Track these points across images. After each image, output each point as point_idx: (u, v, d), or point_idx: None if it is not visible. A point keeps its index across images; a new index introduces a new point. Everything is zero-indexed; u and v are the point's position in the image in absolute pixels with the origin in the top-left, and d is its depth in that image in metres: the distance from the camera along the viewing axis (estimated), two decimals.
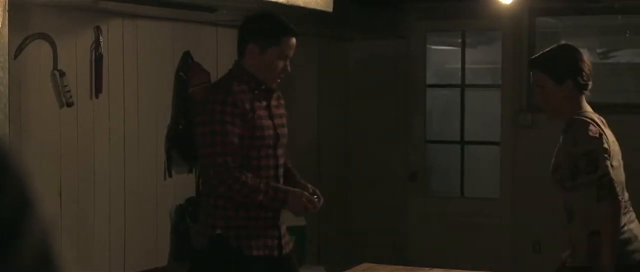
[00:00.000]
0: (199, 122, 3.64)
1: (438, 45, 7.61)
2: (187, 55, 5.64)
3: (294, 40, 3.67)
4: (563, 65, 3.60)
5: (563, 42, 3.86)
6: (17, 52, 4.41)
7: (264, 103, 3.68)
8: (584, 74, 3.61)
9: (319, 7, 4.87)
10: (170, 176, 5.54)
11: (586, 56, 3.69)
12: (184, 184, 5.63)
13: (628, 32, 6.95)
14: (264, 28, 3.66)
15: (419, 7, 6.98)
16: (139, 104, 5.30)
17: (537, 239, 6.49)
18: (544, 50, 3.73)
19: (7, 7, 3.32)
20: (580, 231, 3.51)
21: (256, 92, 3.66)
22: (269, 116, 3.69)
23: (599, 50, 7.17)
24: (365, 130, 7.23)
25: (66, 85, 4.71)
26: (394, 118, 7.15)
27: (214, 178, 3.57)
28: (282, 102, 3.84)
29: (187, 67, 5.61)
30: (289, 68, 3.70)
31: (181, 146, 5.52)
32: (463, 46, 7.04)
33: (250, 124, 3.60)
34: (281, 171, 3.75)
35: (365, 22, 6.74)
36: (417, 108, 7.10)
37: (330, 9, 4.97)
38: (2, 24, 3.27)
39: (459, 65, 7.04)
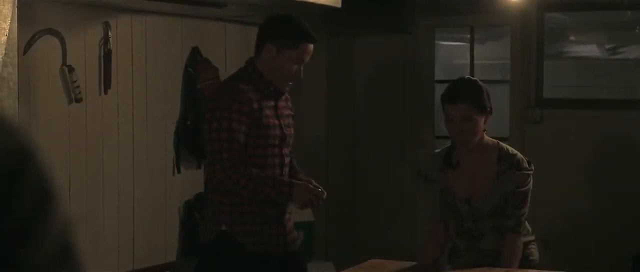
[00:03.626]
0: (207, 118, 3.67)
1: (446, 41, 7.61)
2: (195, 51, 5.64)
3: (311, 46, 3.69)
4: (485, 96, 3.77)
5: (462, 75, 4.12)
6: (26, 48, 4.42)
7: (272, 103, 3.71)
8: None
9: (327, 4, 4.88)
10: (178, 171, 5.55)
11: None
12: (193, 180, 5.63)
13: (637, 27, 6.93)
14: (285, 30, 3.68)
15: (427, 3, 6.97)
16: (147, 99, 5.31)
17: (547, 235, 6.48)
18: (457, 85, 3.82)
19: (16, 3, 3.32)
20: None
21: (265, 91, 3.67)
22: (276, 116, 3.71)
23: (607, 46, 7.16)
24: (373, 126, 7.22)
25: (75, 81, 4.72)
26: (402, 114, 7.14)
27: (219, 173, 3.59)
28: (290, 103, 3.87)
29: (196, 62, 5.61)
30: (301, 74, 3.72)
31: (189, 141, 5.52)
32: (471, 42, 7.03)
33: (257, 123, 3.62)
34: (286, 170, 3.77)
35: (374, 18, 6.74)
36: (426, 104, 7.10)
37: (338, 5, 4.97)
38: (11, 20, 3.28)
39: (468, 61, 7.03)
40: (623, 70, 7.01)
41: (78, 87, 4.74)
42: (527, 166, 3.78)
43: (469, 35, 7.05)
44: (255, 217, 3.67)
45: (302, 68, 3.71)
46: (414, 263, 3.98)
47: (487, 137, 3.84)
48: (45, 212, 0.89)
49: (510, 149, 3.84)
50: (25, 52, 4.39)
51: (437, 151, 4.09)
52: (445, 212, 3.89)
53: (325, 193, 3.71)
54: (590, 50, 7.34)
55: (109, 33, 4.94)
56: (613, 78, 6.99)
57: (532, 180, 3.78)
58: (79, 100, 4.76)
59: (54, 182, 0.91)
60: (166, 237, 5.49)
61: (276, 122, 3.70)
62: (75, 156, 4.80)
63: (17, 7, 3.33)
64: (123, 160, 5.14)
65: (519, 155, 3.81)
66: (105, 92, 4.97)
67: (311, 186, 3.68)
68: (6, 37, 3.26)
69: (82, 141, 4.85)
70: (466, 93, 3.73)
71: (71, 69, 4.71)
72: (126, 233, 5.19)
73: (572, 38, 7.33)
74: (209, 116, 3.65)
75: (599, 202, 6.51)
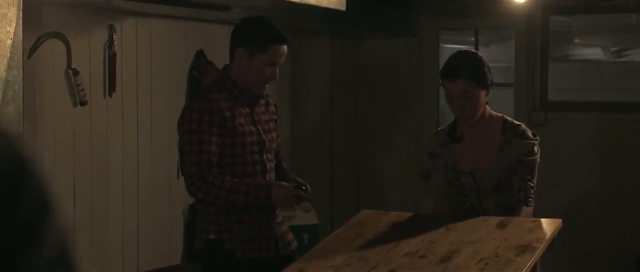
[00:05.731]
0: (179, 131, 3.67)
1: (451, 43, 7.60)
2: (200, 54, 5.65)
3: (284, 47, 3.63)
4: (486, 69, 3.65)
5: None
6: (31, 51, 4.42)
7: (247, 109, 3.67)
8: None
9: (331, 6, 4.87)
10: (183, 174, 5.55)
11: None
12: None
13: None
14: (254, 33, 3.63)
15: (432, 5, 6.97)
16: (152, 102, 5.31)
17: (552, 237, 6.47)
18: (455, 60, 3.69)
19: (21, 6, 3.33)
20: None
21: (239, 99, 3.65)
22: (253, 122, 3.68)
23: (612, 49, 7.15)
24: (377, 129, 7.22)
25: (80, 84, 4.73)
26: (407, 116, 7.14)
27: (190, 186, 3.60)
28: (272, 107, 3.83)
29: (200, 65, 5.61)
30: (276, 76, 3.66)
31: None
32: (476, 44, 7.03)
33: (231, 131, 3.60)
34: (271, 175, 3.75)
35: (378, 20, 6.74)
36: (430, 106, 7.10)
37: (343, 7, 4.96)
38: (16, 23, 3.28)
39: None
40: (628, 73, 7.00)
41: (83, 90, 4.75)
42: (532, 136, 3.69)
43: (473, 38, 7.05)
44: (242, 224, 3.66)
45: (277, 70, 3.65)
46: (408, 214, 3.93)
47: (490, 110, 3.74)
48: (43, 221, 0.89)
49: (515, 120, 3.75)
50: (30, 56, 4.39)
51: (441, 128, 4.00)
52: (449, 192, 3.78)
53: (309, 189, 3.63)
54: (595, 53, 7.34)
55: (114, 36, 4.95)
56: (618, 81, 6.99)
57: (539, 151, 3.69)
58: (83, 104, 4.77)
59: (52, 191, 0.91)
60: (170, 240, 5.49)
61: (253, 128, 3.67)
62: (79, 159, 4.80)
63: (22, 10, 3.34)
64: (127, 163, 5.14)
65: (524, 125, 3.73)
66: (110, 95, 4.97)
67: (289, 185, 3.63)
68: (11, 40, 3.26)
69: (87, 144, 4.86)
70: (465, 68, 3.62)
71: (76, 72, 4.72)
72: (131, 236, 5.19)
73: (576, 41, 7.33)
74: (180, 129, 3.65)
75: (604, 205, 6.50)
